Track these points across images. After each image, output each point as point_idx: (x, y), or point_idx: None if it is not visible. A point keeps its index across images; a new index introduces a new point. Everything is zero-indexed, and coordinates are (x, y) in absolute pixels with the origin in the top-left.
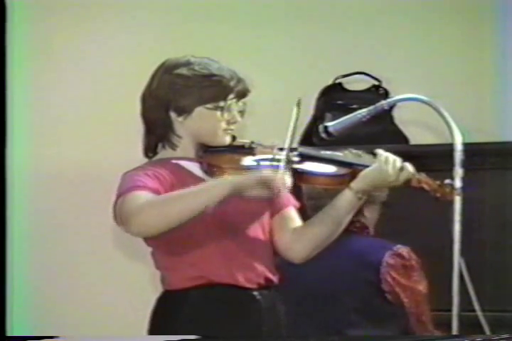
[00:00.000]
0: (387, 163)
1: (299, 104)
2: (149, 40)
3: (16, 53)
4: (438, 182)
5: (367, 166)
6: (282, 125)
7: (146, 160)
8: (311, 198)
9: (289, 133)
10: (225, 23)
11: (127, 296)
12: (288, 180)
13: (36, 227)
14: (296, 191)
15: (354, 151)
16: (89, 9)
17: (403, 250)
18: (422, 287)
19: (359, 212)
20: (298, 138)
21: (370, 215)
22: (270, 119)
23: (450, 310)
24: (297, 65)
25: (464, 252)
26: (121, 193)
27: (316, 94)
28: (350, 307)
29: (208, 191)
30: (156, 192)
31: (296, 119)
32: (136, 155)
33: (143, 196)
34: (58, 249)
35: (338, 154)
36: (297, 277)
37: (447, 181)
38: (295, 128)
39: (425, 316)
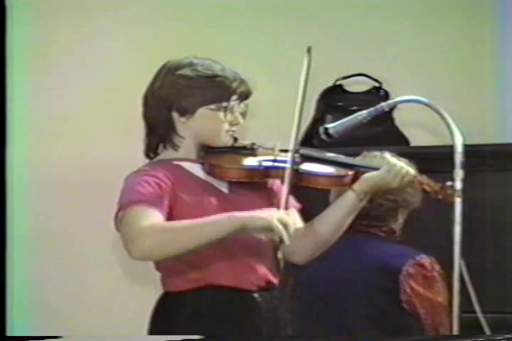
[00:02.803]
0: (394, 170)
1: (309, 51)
2: (150, 41)
3: (15, 53)
4: (440, 184)
5: (369, 168)
6: (283, 126)
7: (147, 160)
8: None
9: (300, 91)
10: (226, 24)
11: (127, 297)
12: (294, 226)
13: (36, 228)
14: (298, 192)
15: (372, 154)
16: (90, 9)
17: (426, 260)
18: (442, 299)
19: (394, 216)
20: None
21: (401, 220)
22: (271, 121)
23: (451, 312)
24: (297, 66)
25: (464, 253)
26: (122, 206)
27: (316, 96)
28: (363, 313)
29: (214, 226)
30: (158, 203)
31: (308, 69)
32: (137, 156)
33: (144, 214)
34: (58, 249)
35: (340, 155)
36: (313, 278)
37: (449, 183)
38: (307, 78)
39: (443, 328)
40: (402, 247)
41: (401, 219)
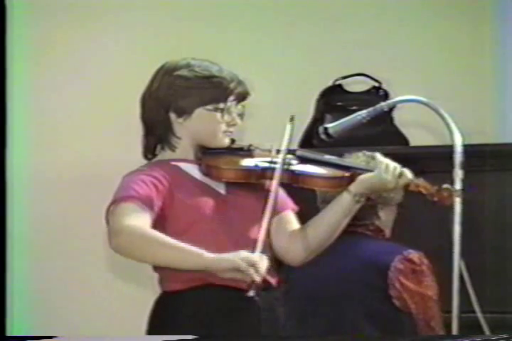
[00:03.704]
0: (387, 171)
1: (292, 120)
2: (149, 42)
3: (15, 54)
4: (436, 187)
5: (365, 170)
6: (281, 128)
7: (145, 161)
8: (325, 201)
9: (283, 149)
10: (225, 25)
11: (127, 297)
12: (264, 266)
13: (36, 228)
14: (295, 194)
15: (368, 153)
16: (89, 10)
17: (414, 255)
18: (431, 292)
19: (373, 214)
20: (298, 139)
21: (386, 217)
22: (269, 122)
23: (450, 312)
24: (297, 66)
25: (463, 253)
26: (115, 200)
27: (315, 96)
28: (355, 312)
29: (180, 255)
30: (149, 203)
31: (291, 136)
32: (136, 157)
33: (133, 211)
34: (58, 249)
35: (336, 157)
36: (303, 279)
37: (445, 185)
38: (289, 144)
39: (434, 322)
40: (389, 244)
41: (385, 216)
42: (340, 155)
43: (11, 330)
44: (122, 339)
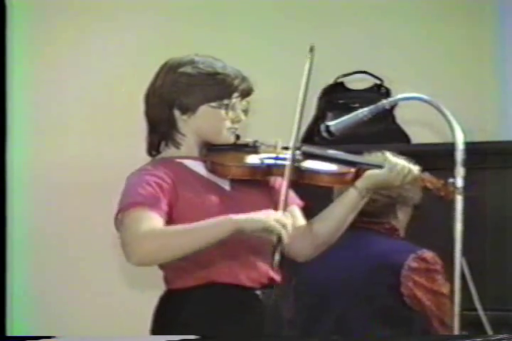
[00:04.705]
0: (395, 169)
1: (312, 50)
2: (151, 40)
3: (16, 53)
4: (442, 181)
5: (371, 165)
6: (285, 124)
7: (149, 159)
8: None
9: (302, 89)
10: (227, 23)
11: (127, 297)
12: (291, 227)
13: (36, 228)
14: (300, 190)
15: (373, 153)
16: (90, 8)
17: (428, 254)
18: (445, 290)
19: (391, 213)
20: (299, 137)
21: (403, 218)
22: (272, 118)
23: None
24: (299, 62)
25: (465, 251)
26: (122, 208)
27: (317, 94)
28: (364, 309)
29: (212, 229)
30: (157, 205)
31: (311, 68)
32: (139, 156)
33: (143, 217)
34: (58, 249)
35: (342, 153)
36: (314, 276)
37: (451, 180)
38: (309, 77)
39: (448, 318)
40: (403, 243)
41: (402, 216)
42: (359, 153)
43: (11, 330)
44: (123, 339)
